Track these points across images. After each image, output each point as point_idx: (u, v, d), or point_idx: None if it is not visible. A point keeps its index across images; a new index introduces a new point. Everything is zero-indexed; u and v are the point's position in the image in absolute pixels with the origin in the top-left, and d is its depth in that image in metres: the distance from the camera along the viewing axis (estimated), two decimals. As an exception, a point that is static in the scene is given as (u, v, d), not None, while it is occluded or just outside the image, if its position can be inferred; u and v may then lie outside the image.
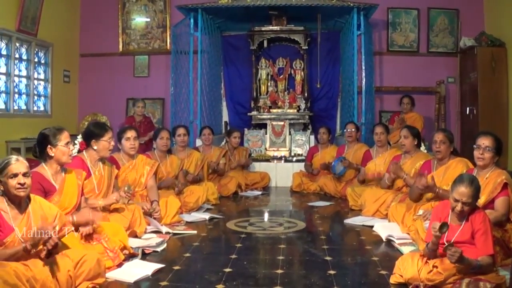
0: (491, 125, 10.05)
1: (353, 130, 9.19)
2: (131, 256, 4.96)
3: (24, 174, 3.75)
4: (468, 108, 11.47)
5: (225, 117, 12.90)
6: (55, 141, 4.71)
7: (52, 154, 4.71)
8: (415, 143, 7.16)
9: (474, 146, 5.10)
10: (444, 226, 3.84)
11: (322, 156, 9.83)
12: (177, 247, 5.64)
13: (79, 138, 5.86)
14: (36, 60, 11.42)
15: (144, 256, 5.12)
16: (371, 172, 7.94)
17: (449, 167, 5.95)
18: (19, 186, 3.70)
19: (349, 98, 11.19)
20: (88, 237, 4.68)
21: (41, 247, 3.61)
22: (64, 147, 4.73)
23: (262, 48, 12.55)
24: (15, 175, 3.70)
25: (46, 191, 4.58)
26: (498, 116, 10.76)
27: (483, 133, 5.16)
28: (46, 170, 4.73)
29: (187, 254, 5.24)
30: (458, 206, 3.99)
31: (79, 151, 5.78)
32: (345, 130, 9.41)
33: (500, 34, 11.09)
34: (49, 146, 4.70)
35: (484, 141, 5.01)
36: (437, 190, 5.69)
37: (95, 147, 5.60)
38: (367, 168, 8.07)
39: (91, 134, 5.66)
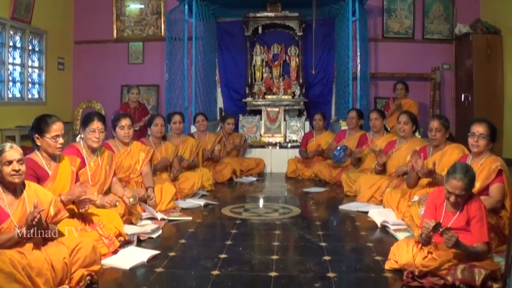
0: (486, 112, 10.07)
1: (354, 117, 9.17)
2: (126, 243, 4.98)
3: (19, 161, 3.75)
4: (463, 95, 11.47)
5: (220, 103, 12.89)
6: (42, 132, 4.62)
7: (39, 144, 4.68)
8: (414, 129, 7.19)
9: (469, 133, 5.10)
10: (437, 226, 3.83)
11: (317, 142, 9.85)
12: (172, 234, 5.65)
13: None
14: (30, 47, 11.38)
15: (140, 242, 5.13)
16: (367, 145, 8.00)
17: (445, 153, 5.96)
18: (14, 172, 3.71)
19: (344, 84, 11.18)
20: (83, 221, 4.68)
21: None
22: (50, 140, 4.62)
23: (257, 34, 12.51)
24: (10, 162, 3.71)
25: (39, 177, 4.55)
26: (493, 103, 10.77)
27: (477, 120, 5.15)
28: (39, 156, 4.70)
29: (183, 241, 5.25)
30: (452, 198, 4.00)
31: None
32: (347, 117, 9.40)
33: (495, 22, 11.08)
34: (36, 135, 4.66)
35: (478, 129, 5.00)
36: (437, 176, 5.68)
37: (82, 136, 5.57)
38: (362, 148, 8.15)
39: (81, 123, 5.67)
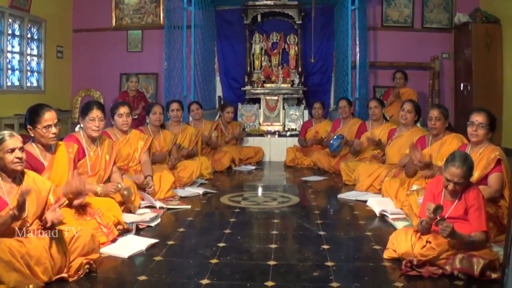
0: (485, 101, 10.04)
1: (345, 106, 9.19)
2: (125, 232, 4.98)
3: (20, 149, 3.77)
4: (462, 84, 11.44)
5: (219, 91, 12.89)
6: (34, 123, 4.58)
7: (32, 135, 4.65)
8: (416, 118, 7.19)
9: (468, 122, 5.10)
10: (438, 208, 3.86)
11: (315, 131, 9.85)
12: (171, 222, 5.67)
13: None
14: (29, 36, 11.34)
15: (138, 231, 5.14)
16: (366, 137, 8.02)
17: (444, 142, 5.95)
18: (17, 160, 3.72)
19: (343, 73, 11.18)
20: (82, 210, 4.69)
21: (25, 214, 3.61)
22: (42, 131, 4.58)
23: (256, 22, 12.51)
24: (13, 150, 3.71)
25: (35, 169, 4.48)
26: (492, 93, 10.74)
27: (476, 110, 5.14)
28: (34, 147, 4.66)
29: (181, 229, 5.27)
30: (450, 186, 4.01)
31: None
32: (338, 107, 9.42)
33: (494, 11, 11.04)
34: (28, 126, 4.63)
35: (478, 118, 5.00)
36: (434, 168, 5.67)
37: (82, 126, 5.52)
38: (362, 139, 8.15)
39: (80, 112, 5.61)
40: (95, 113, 5.46)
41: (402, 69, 10.90)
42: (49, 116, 4.61)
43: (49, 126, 4.59)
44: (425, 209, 3.97)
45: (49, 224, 3.68)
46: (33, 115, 4.61)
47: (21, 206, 3.49)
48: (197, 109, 9.49)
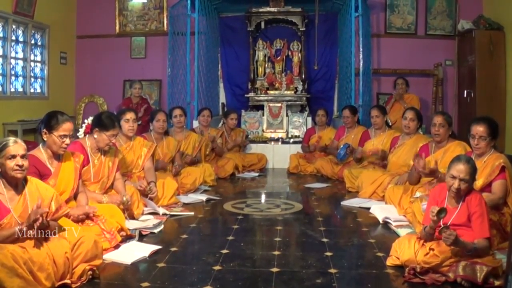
0: (489, 108, 10.06)
1: (348, 116, 9.16)
2: (128, 238, 4.99)
3: (22, 156, 3.76)
4: (465, 91, 11.43)
5: (222, 98, 12.90)
6: (51, 129, 4.61)
7: (45, 139, 4.67)
8: (418, 126, 7.18)
9: (469, 134, 5.08)
10: (442, 211, 3.86)
11: (318, 137, 9.85)
12: (174, 229, 5.66)
13: (89, 120, 5.72)
14: (32, 42, 11.38)
15: (141, 237, 5.14)
16: (369, 149, 8.00)
17: (447, 150, 5.94)
18: (17, 167, 3.71)
19: (346, 80, 11.19)
20: (80, 220, 4.70)
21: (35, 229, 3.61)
22: (57, 138, 4.61)
23: (260, 29, 12.52)
24: (13, 157, 3.71)
25: (42, 174, 4.54)
26: (495, 100, 10.73)
27: (476, 121, 5.09)
28: (42, 153, 4.70)
29: (184, 236, 5.26)
30: (455, 183, 3.99)
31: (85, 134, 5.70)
32: (342, 116, 9.41)
33: (498, 18, 11.04)
34: (44, 130, 4.65)
35: (478, 130, 4.97)
36: (439, 175, 5.66)
37: (95, 136, 5.50)
38: (365, 147, 8.13)
39: (99, 123, 5.51)
40: (116, 131, 5.60)
41: (405, 76, 10.89)
42: (67, 127, 4.68)
43: (65, 136, 4.64)
44: (429, 212, 3.97)
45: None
46: (52, 120, 4.66)
47: (31, 225, 3.52)
48: (208, 116, 9.55)
